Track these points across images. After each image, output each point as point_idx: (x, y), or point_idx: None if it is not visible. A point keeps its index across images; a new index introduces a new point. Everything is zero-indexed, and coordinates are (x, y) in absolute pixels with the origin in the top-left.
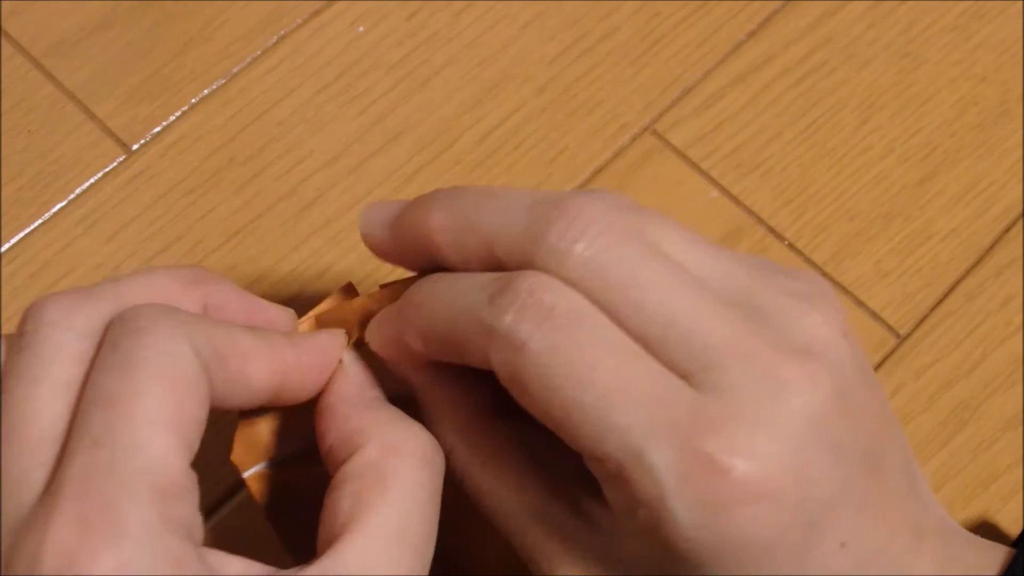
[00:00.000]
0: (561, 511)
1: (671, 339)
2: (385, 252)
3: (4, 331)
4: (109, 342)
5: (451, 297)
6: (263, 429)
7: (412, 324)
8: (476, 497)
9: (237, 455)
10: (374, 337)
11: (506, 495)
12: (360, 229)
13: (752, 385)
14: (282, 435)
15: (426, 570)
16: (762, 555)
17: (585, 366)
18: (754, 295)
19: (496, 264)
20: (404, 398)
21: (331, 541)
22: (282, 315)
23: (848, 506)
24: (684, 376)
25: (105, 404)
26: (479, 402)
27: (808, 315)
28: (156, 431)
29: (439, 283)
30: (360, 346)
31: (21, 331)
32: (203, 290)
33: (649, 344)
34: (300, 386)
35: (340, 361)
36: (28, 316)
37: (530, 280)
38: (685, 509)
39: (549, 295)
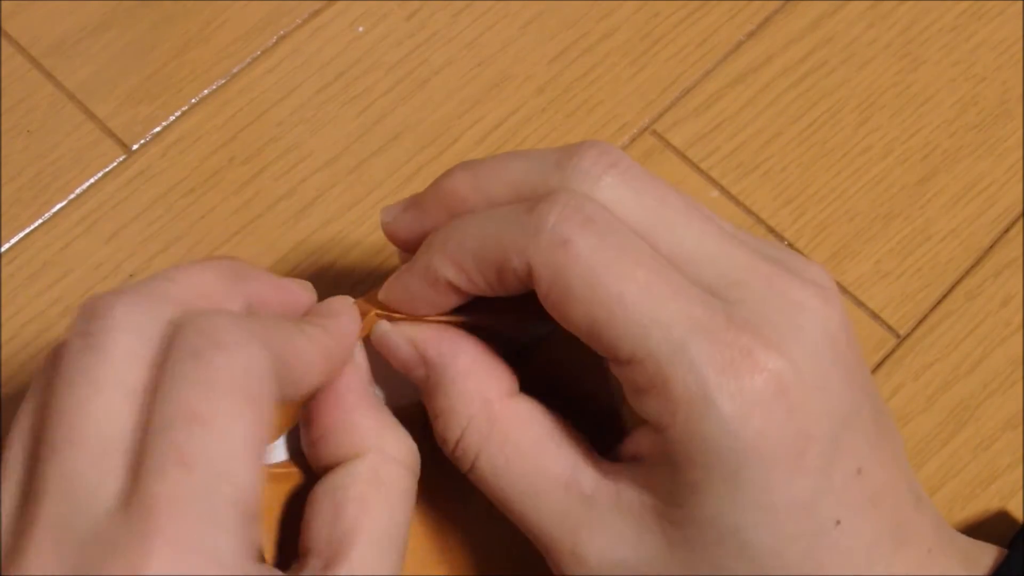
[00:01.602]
0: (581, 482)
1: (700, 258)
2: (407, 230)
3: (4, 331)
4: (187, 352)
5: (486, 217)
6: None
7: (443, 250)
8: (490, 478)
9: None
10: (392, 290)
11: (526, 469)
12: (381, 222)
13: (774, 300)
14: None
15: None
16: (793, 461)
17: (628, 263)
18: (762, 246)
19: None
20: (398, 410)
21: (337, 545)
22: (306, 292)
23: (861, 432)
24: (712, 293)
25: (191, 420)
26: (499, 379)
27: (810, 265)
28: (246, 457)
29: (470, 214)
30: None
31: (83, 331)
32: (245, 287)
33: (679, 263)
34: (329, 375)
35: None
36: (89, 316)
37: (568, 193)
38: (727, 399)
39: (588, 205)
